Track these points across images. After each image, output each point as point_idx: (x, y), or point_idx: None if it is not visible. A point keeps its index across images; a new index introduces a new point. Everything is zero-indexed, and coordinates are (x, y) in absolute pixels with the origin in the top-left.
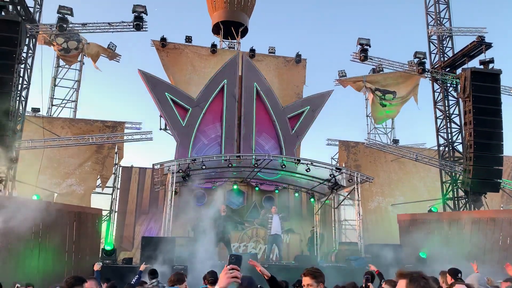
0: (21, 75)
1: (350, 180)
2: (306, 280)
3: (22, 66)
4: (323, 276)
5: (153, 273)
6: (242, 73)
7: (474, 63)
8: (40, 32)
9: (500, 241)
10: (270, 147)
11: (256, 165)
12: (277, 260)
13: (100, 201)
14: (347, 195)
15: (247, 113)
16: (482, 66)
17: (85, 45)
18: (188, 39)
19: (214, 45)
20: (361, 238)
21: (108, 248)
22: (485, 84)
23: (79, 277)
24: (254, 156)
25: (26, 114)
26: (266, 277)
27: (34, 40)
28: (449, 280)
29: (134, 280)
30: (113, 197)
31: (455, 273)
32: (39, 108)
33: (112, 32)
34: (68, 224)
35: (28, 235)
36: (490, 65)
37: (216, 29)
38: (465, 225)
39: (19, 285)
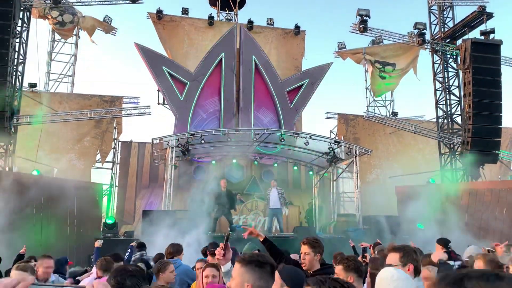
0: (17, 49)
1: (349, 153)
2: (304, 249)
3: (17, 40)
4: (321, 247)
5: (140, 246)
6: (240, 46)
7: (475, 34)
8: (34, 5)
9: (497, 212)
10: (269, 121)
11: (255, 139)
12: (278, 232)
13: (101, 175)
14: (345, 168)
15: (246, 87)
16: (482, 37)
17: (80, 19)
18: (185, 11)
19: (211, 17)
20: (359, 209)
21: (109, 221)
22: (486, 55)
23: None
24: (253, 130)
25: (23, 89)
26: (260, 239)
27: (28, 13)
28: (440, 249)
29: (126, 255)
30: (113, 171)
31: (445, 244)
32: (36, 84)
33: (108, 4)
34: (69, 199)
35: (30, 210)
36: (491, 36)
37: (213, 1)
38: (463, 196)
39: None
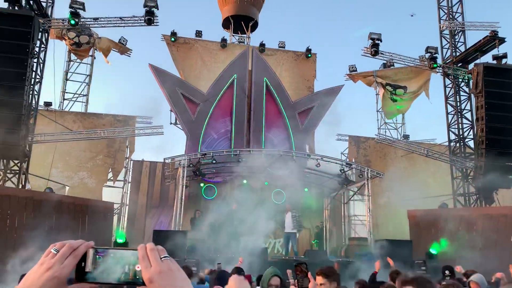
0: (34, 69)
1: (360, 176)
2: (319, 280)
3: (35, 60)
4: (337, 275)
5: None
6: (252, 67)
7: (487, 58)
8: (52, 27)
9: None
10: (280, 142)
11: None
12: (293, 255)
13: (112, 194)
14: (357, 191)
15: (257, 108)
16: (495, 61)
17: (96, 40)
18: (198, 33)
19: (224, 40)
20: (371, 233)
21: (120, 240)
22: (498, 79)
23: None
24: (264, 151)
25: (38, 108)
26: None
27: (46, 34)
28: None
29: None
30: (124, 190)
31: (443, 271)
32: (51, 102)
33: (124, 26)
34: (80, 217)
35: (42, 228)
36: (504, 60)
37: (226, 24)
38: (477, 221)
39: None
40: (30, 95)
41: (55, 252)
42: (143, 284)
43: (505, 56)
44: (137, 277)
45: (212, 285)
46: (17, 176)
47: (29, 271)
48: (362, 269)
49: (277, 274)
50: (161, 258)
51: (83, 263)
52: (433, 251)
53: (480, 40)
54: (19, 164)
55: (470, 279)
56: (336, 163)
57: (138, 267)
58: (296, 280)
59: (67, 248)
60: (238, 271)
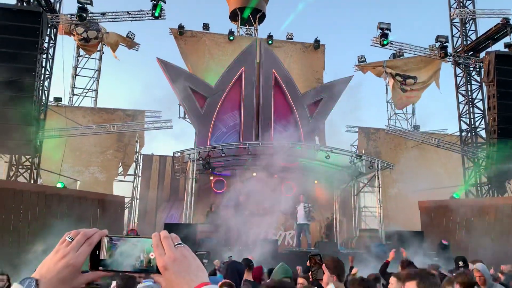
0: (43, 65)
1: (371, 167)
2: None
3: (44, 56)
4: (338, 268)
5: None
6: (260, 60)
7: (499, 46)
8: (60, 22)
9: None
10: (289, 134)
11: (275, 153)
12: (305, 247)
13: (122, 188)
14: (367, 182)
15: (266, 101)
16: (507, 49)
17: (104, 35)
18: (206, 26)
19: (231, 32)
20: (381, 224)
21: (131, 234)
22: (510, 67)
23: None
24: (273, 144)
25: (48, 103)
26: None
27: (55, 30)
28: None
29: None
30: (134, 184)
31: (456, 262)
32: (61, 98)
33: (131, 20)
34: (92, 211)
35: (54, 222)
36: None
37: (233, 16)
38: (489, 211)
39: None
40: (40, 91)
41: (70, 240)
42: (158, 271)
43: None
44: (152, 264)
45: (226, 276)
46: (29, 171)
47: (45, 258)
48: (372, 260)
49: (288, 275)
50: (175, 245)
51: (97, 251)
52: (445, 242)
53: (492, 28)
54: (30, 160)
55: (473, 267)
56: (346, 154)
57: (152, 254)
58: (310, 272)
59: (82, 236)
60: (247, 262)
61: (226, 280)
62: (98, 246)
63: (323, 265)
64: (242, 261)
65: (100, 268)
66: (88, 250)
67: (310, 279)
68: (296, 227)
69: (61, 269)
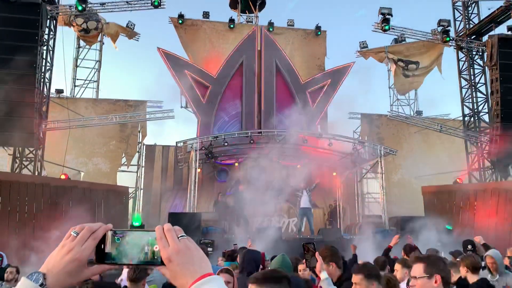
0: (44, 57)
1: (373, 153)
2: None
3: (44, 48)
4: (333, 256)
5: None
6: (261, 48)
7: (502, 30)
8: (60, 13)
9: None
10: (291, 122)
11: (278, 141)
12: (308, 233)
13: (126, 179)
14: (370, 169)
15: (268, 89)
16: (510, 32)
17: (104, 25)
18: (206, 14)
19: (231, 20)
20: (385, 211)
21: (136, 224)
22: None
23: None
24: (275, 132)
25: (50, 95)
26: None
27: (54, 21)
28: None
29: None
30: (138, 175)
31: (464, 246)
32: (62, 89)
33: (131, 10)
34: (96, 202)
35: (59, 214)
36: None
37: (233, 3)
38: (492, 196)
39: None
40: (42, 83)
41: (75, 235)
42: (162, 263)
43: None
44: (156, 257)
45: (242, 264)
46: (32, 163)
47: (51, 253)
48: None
49: (284, 267)
50: (178, 238)
51: (102, 245)
52: (448, 227)
53: (494, 11)
54: (34, 152)
55: (487, 253)
56: (348, 141)
57: (156, 247)
58: (304, 260)
59: (87, 230)
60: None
61: (225, 267)
62: (103, 240)
63: (316, 253)
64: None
65: (105, 261)
66: (93, 244)
67: (305, 267)
68: (299, 211)
69: (68, 263)
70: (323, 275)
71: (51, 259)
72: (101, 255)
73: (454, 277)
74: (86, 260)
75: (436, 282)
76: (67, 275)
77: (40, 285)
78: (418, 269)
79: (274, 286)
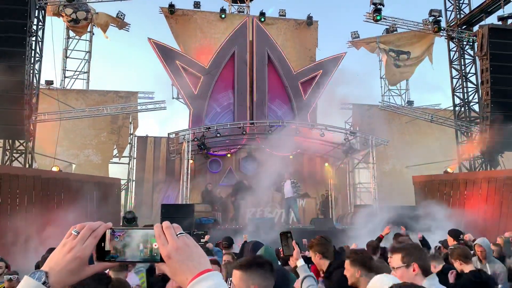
0: (33, 48)
1: (365, 144)
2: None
3: (33, 39)
4: (321, 245)
5: None
6: (253, 38)
7: (492, 20)
8: (48, 3)
9: None
10: (284, 113)
11: (270, 132)
12: (295, 224)
13: (118, 170)
14: (361, 159)
15: (259, 80)
16: (500, 22)
17: (94, 15)
18: (197, 4)
19: (223, 10)
20: (376, 200)
21: (129, 216)
22: (503, 41)
23: None
24: (268, 123)
25: (40, 87)
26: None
27: (43, 12)
28: (451, 241)
29: None
30: (130, 166)
31: (457, 235)
32: (52, 81)
33: (121, 0)
34: (88, 194)
35: (51, 206)
36: (509, 21)
37: None
38: (482, 185)
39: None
40: (31, 74)
41: (76, 234)
42: (162, 261)
43: (510, 16)
44: (155, 254)
45: (248, 254)
46: (23, 156)
47: (52, 252)
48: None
49: (269, 257)
50: (177, 235)
51: (102, 243)
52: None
53: (485, 1)
54: (24, 144)
55: (476, 242)
56: (340, 132)
57: (155, 245)
58: (281, 249)
59: (87, 229)
60: (230, 241)
61: (212, 258)
62: (103, 238)
63: (293, 242)
64: (223, 239)
65: (106, 259)
66: (94, 243)
67: (282, 255)
68: (284, 202)
69: (69, 261)
70: (299, 262)
71: (52, 258)
72: (101, 253)
73: (438, 268)
74: (87, 258)
75: (414, 270)
76: (69, 273)
77: (43, 283)
78: (396, 259)
79: (257, 270)
